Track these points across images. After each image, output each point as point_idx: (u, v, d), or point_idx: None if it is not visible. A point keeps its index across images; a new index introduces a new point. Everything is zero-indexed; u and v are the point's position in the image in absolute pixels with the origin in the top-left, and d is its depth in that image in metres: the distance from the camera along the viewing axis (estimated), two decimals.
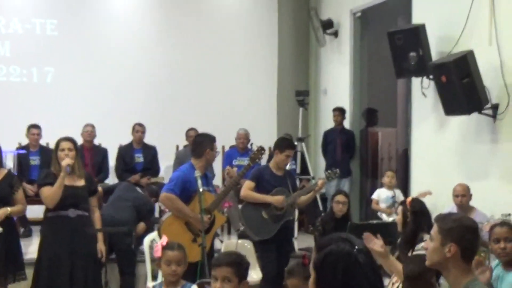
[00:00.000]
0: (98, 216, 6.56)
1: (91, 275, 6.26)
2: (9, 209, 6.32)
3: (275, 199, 7.18)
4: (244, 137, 10.68)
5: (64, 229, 6.23)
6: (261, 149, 7.05)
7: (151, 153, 10.56)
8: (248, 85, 12.48)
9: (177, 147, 11.21)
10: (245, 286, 3.99)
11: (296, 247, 8.58)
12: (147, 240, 7.07)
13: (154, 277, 6.72)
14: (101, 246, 6.41)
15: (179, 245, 4.99)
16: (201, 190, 6.10)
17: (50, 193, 6.22)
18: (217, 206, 6.67)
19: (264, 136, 11.31)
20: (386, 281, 4.59)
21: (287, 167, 7.76)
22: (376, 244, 4.39)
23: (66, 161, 6.21)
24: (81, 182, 6.39)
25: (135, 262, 7.74)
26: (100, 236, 6.44)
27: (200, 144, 6.75)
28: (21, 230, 9.27)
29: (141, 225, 8.00)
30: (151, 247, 6.90)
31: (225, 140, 10.97)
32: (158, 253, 4.90)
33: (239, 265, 3.98)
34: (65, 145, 6.32)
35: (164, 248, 4.88)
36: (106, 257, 6.52)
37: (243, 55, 12.50)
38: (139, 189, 8.71)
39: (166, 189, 6.59)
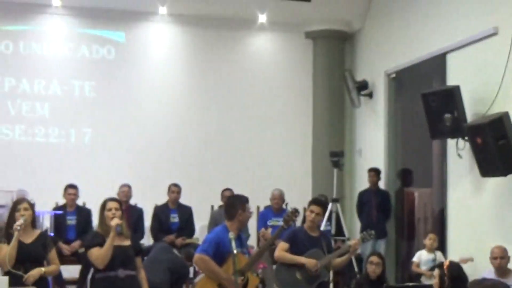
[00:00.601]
0: (144, 276, 6.55)
1: None
2: (43, 269, 6.40)
3: (309, 261, 7.15)
4: (279, 198, 10.66)
5: None
6: (295, 211, 7.04)
7: (186, 213, 10.59)
8: (283, 145, 12.56)
9: (212, 207, 11.23)
10: None
11: None
12: None
13: None
14: None
15: None
16: (235, 252, 6.10)
17: (100, 253, 6.25)
18: (250, 268, 6.65)
19: (299, 196, 11.31)
20: None
21: (322, 227, 7.73)
22: None
23: (115, 221, 6.26)
24: (127, 242, 6.44)
25: None
26: None
27: (232, 206, 6.78)
28: None
29: None
30: None
31: (260, 200, 11.00)
32: None
33: None
34: (112, 205, 6.41)
35: None
36: None
37: (278, 116, 12.61)
38: (176, 251, 8.64)
39: (200, 250, 6.61)
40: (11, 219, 6.43)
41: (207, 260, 6.48)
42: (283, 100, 12.68)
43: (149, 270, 7.78)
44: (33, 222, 6.62)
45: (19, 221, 6.31)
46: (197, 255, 6.60)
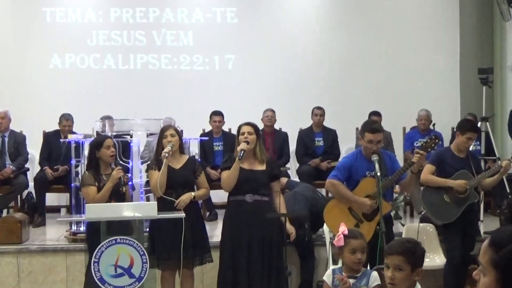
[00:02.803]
0: (282, 201, 6.47)
1: (267, 259, 6.23)
2: (193, 193, 6.53)
3: (457, 183, 6.92)
4: (425, 118, 10.42)
5: (241, 214, 6.31)
6: (434, 139, 6.55)
7: (331, 136, 10.52)
8: (429, 64, 12.14)
9: (357, 129, 11.13)
10: (419, 274, 3.86)
11: (482, 230, 8.30)
12: (326, 226, 7.04)
13: (334, 261, 6.70)
14: (289, 227, 6.34)
15: (361, 233, 5.00)
16: (378, 174, 5.98)
17: (225, 177, 6.36)
18: (382, 192, 6.31)
19: (447, 116, 11.05)
20: None
21: (471, 147, 7.47)
22: None
23: (241, 146, 6.28)
24: (261, 167, 6.42)
25: (312, 247, 7.69)
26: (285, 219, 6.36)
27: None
28: (207, 214, 9.58)
29: None
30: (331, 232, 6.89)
31: (406, 122, 10.82)
32: (340, 242, 4.86)
33: (411, 253, 3.84)
34: (245, 129, 6.42)
35: (347, 237, 4.87)
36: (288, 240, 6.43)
37: (423, 33, 12.15)
38: (319, 193, 8.45)
39: (331, 175, 6.50)
40: (160, 146, 6.58)
41: (337, 184, 6.38)
42: (428, 15, 12.16)
43: (288, 200, 7.48)
44: (181, 147, 6.76)
45: (167, 148, 6.44)
46: (328, 180, 6.49)
